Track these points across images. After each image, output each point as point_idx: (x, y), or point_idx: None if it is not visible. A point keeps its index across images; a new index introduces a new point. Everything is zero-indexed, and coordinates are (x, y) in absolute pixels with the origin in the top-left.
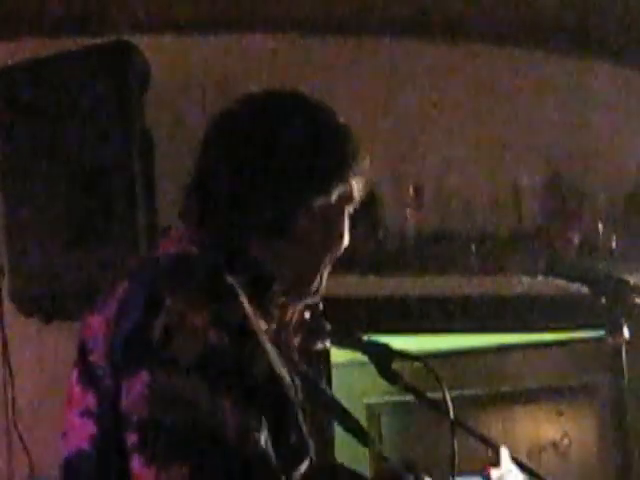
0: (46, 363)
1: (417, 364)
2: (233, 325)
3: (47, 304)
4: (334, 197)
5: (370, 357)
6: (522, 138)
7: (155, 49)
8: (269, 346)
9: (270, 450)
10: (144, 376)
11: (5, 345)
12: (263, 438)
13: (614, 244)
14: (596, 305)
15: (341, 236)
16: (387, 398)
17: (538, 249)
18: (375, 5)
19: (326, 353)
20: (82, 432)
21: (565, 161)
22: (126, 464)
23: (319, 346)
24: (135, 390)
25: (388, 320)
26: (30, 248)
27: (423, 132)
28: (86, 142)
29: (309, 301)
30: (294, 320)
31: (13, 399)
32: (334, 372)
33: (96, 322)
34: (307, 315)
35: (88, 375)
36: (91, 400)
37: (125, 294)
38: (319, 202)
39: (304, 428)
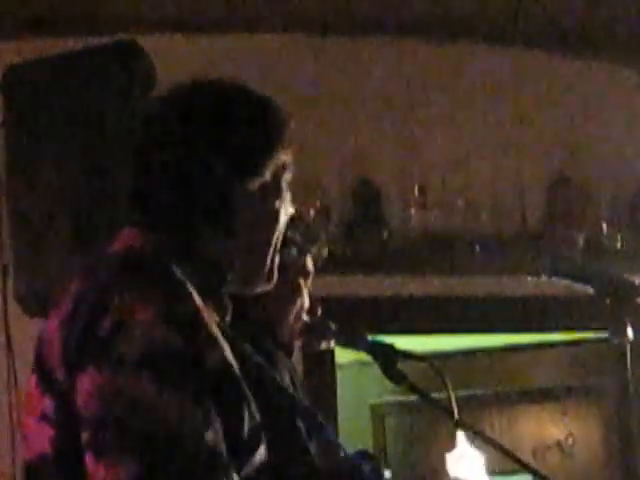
0: None
1: (421, 364)
2: (183, 319)
3: (51, 304)
4: (268, 175)
5: (375, 357)
6: (527, 138)
7: (160, 49)
8: (221, 339)
9: (220, 443)
10: (92, 373)
11: (9, 345)
12: (212, 432)
13: (619, 245)
14: (601, 306)
15: (280, 212)
16: (391, 398)
17: (542, 249)
18: (379, 6)
19: (331, 353)
20: (41, 436)
21: (570, 161)
22: (84, 462)
23: (324, 346)
24: (84, 388)
25: (392, 320)
26: (35, 248)
27: (427, 132)
28: (91, 142)
29: (263, 289)
30: (295, 323)
31: (17, 399)
32: (338, 372)
33: (51, 325)
34: (306, 318)
35: (45, 380)
36: (48, 404)
37: (77, 295)
38: (255, 183)
39: (257, 418)
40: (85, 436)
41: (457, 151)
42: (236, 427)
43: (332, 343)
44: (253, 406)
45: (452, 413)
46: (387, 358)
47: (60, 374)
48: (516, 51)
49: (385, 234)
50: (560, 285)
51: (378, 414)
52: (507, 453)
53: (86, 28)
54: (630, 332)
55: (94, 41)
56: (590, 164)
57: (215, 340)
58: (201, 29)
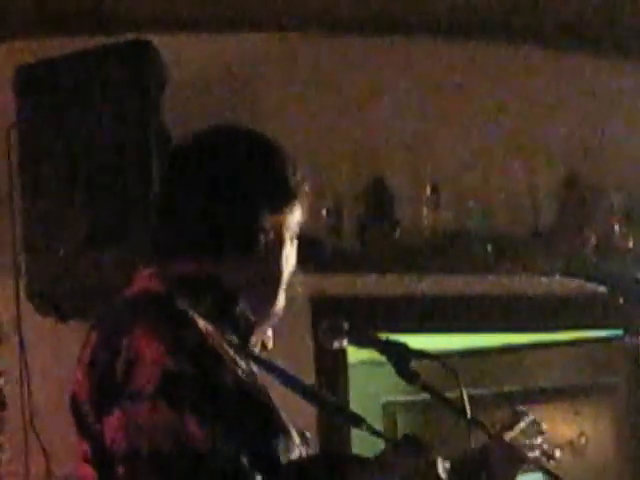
0: (62, 362)
1: (434, 363)
2: (190, 347)
3: (63, 303)
4: (283, 216)
5: (388, 356)
6: (539, 137)
7: (172, 48)
8: (232, 357)
9: (240, 456)
10: (116, 413)
11: (22, 344)
12: (233, 446)
13: (631, 244)
14: (613, 305)
15: (290, 252)
16: (403, 397)
17: (555, 249)
18: (390, 5)
19: (343, 353)
20: (88, 477)
21: (582, 161)
22: None
23: (336, 345)
24: (112, 428)
25: (404, 319)
26: (47, 247)
27: (440, 131)
28: (103, 141)
29: (271, 323)
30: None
31: (29, 398)
32: (350, 372)
33: (79, 374)
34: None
35: (82, 425)
36: (85, 447)
37: (96, 343)
38: (272, 220)
39: (282, 418)
40: (120, 471)
41: (470, 151)
42: (261, 437)
43: (345, 342)
44: (280, 414)
45: (465, 412)
46: (400, 357)
47: (91, 418)
48: (530, 51)
49: (397, 233)
50: (573, 284)
51: (390, 413)
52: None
53: (98, 28)
54: None
55: (106, 40)
56: (602, 164)
57: (223, 360)
58: (213, 29)
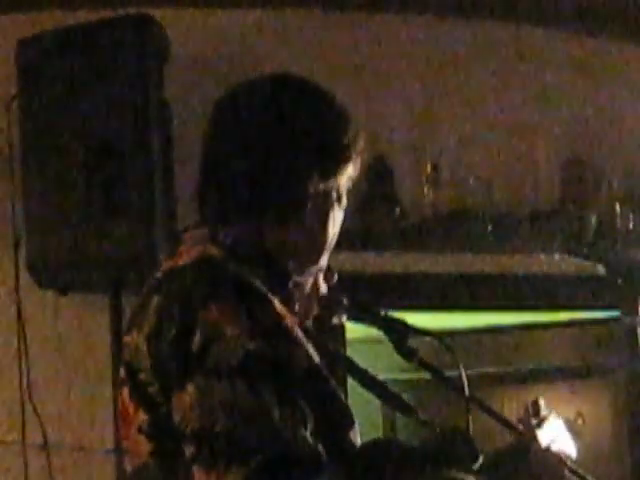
0: (61, 334)
1: (432, 342)
2: (267, 328)
3: (63, 276)
4: (334, 179)
5: (386, 333)
6: (541, 117)
7: (175, 22)
8: (303, 338)
9: (315, 439)
10: (189, 389)
11: (20, 316)
12: (309, 429)
13: (631, 225)
14: (612, 285)
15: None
16: (402, 375)
17: (556, 229)
18: None
19: (342, 328)
20: (142, 448)
21: (584, 141)
22: (189, 475)
23: (335, 321)
24: (183, 403)
25: (403, 297)
26: (47, 220)
27: (441, 109)
28: (105, 114)
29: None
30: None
31: (28, 370)
32: (349, 348)
33: (136, 340)
34: (324, 289)
35: (139, 393)
36: (143, 417)
37: (160, 310)
38: (321, 186)
39: (345, 401)
40: (190, 451)
41: (470, 129)
42: (330, 418)
43: (344, 318)
44: (341, 395)
45: (462, 390)
46: (398, 334)
47: (153, 389)
48: (531, 30)
49: (397, 211)
50: (572, 264)
51: None
52: (518, 431)
53: (100, 1)
54: None
55: (108, 14)
56: (604, 144)
57: (299, 342)
58: (215, 4)
